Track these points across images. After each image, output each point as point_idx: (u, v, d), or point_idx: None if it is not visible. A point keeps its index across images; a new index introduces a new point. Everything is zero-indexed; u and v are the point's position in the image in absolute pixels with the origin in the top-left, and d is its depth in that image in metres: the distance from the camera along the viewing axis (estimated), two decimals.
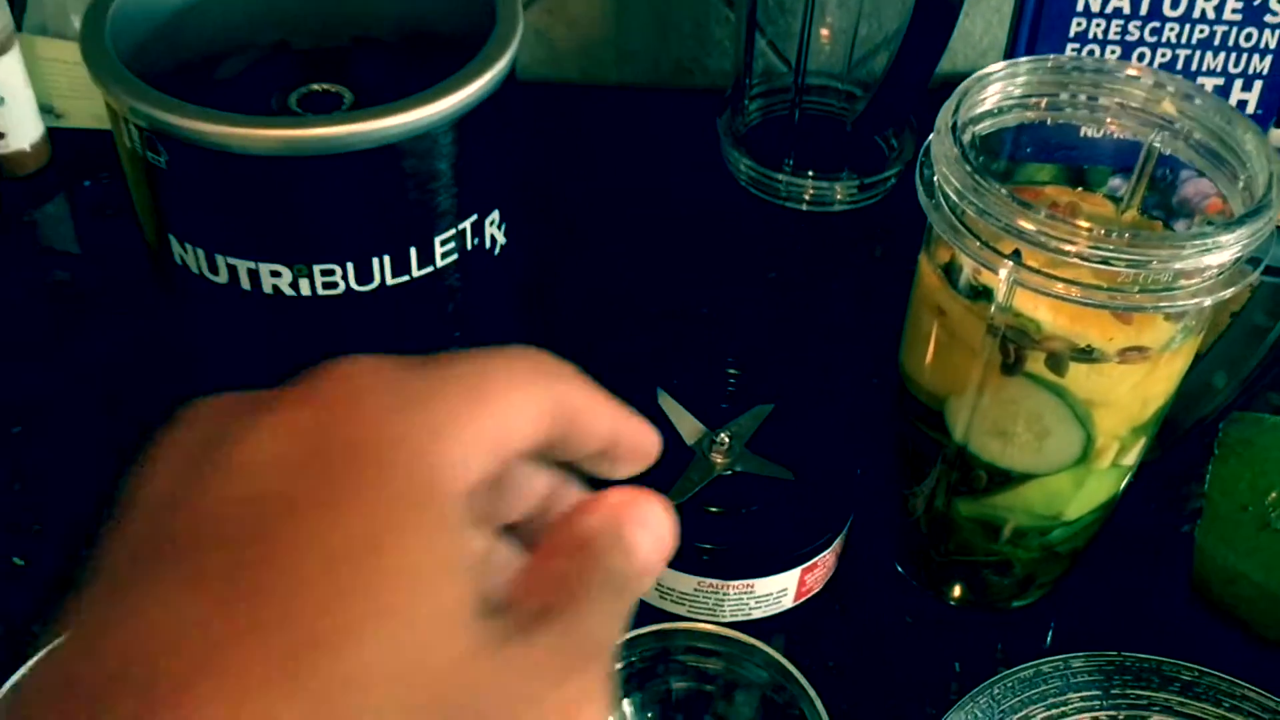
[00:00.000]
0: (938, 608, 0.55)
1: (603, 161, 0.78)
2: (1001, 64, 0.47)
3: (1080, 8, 0.64)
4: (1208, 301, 0.41)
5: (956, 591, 0.55)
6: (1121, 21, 0.64)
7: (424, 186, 0.42)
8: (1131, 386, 0.45)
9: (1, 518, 0.55)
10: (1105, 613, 0.54)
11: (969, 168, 0.42)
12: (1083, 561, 0.53)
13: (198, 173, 0.40)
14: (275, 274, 0.42)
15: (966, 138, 0.44)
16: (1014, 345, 0.44)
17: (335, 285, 0.43)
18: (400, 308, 0.44)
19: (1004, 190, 0.41)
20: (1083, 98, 0.47)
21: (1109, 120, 0.48)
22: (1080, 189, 0.53)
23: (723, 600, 0.51)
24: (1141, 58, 0.65)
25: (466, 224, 0.44)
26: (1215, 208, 0.49)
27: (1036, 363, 0.44)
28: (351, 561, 0.20)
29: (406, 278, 0.43)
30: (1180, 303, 0.41)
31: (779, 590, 0.52)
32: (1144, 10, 0.63)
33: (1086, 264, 0.41)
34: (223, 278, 0.43)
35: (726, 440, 0.53)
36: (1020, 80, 0.46)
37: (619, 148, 0.79)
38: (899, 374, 0.51)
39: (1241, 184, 0.44)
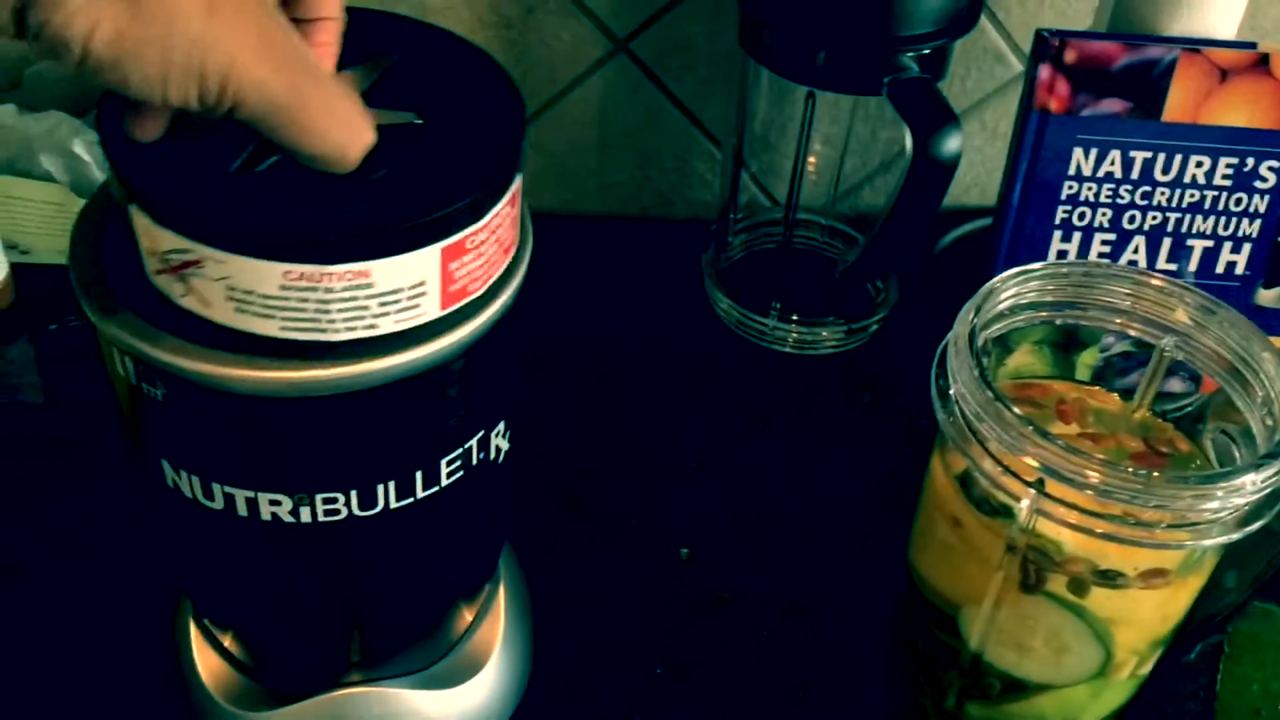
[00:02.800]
0: None
1: (581, 294, 0.77)
2: (1014, 271, 0.46)
3: (1072, 171, 0.64)
4: (1236, 536, 0.40)
5: None
6: (1113, 185, 0.64)
7: (432, 415, 0.40)
8: (1154, 606, 0.44)
9: None
10: None
11: (989, 393, 0.42)
12: None
13: (196, 407, 0.38)
14: (275, 503, 0.40)
15: (980, 343, 0.44)
16: (1035, 566, 0.43)
17: (337, 513, 0.41)
18: (403, 527, 0.42)
19: (1027, 422, 0.41)
20: (1097, 301, 0.47)
21: (1125, 323, 0.47)
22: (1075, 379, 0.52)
23: (328, 303, 0.36)
24: (1132, 220, 0.65)
25: (473, 441, 0.43)
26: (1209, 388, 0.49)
27: (1057, 584, 0.43)
28: None
29: (410, 500, 0.42)
30: (1207, 540, 0.40)
31: (413, 284, 0.36)
32: (1135, 174, 0.64)
33: (1112, 499, 0.40)
34: (218, 504, 0.40)
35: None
36: (1034, 285, 0.46)
37: (599, 278, 0.78)
38: (909, 573, 0.50)
39: (1260, 400, 0.44)
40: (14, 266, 0.72)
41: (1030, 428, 0.40)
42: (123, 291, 0.38)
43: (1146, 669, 0.47)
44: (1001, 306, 0.45)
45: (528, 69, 0.77)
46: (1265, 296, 0.67)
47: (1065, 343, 0.53)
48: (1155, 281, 0.45)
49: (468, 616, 0.52)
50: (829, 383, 0.73)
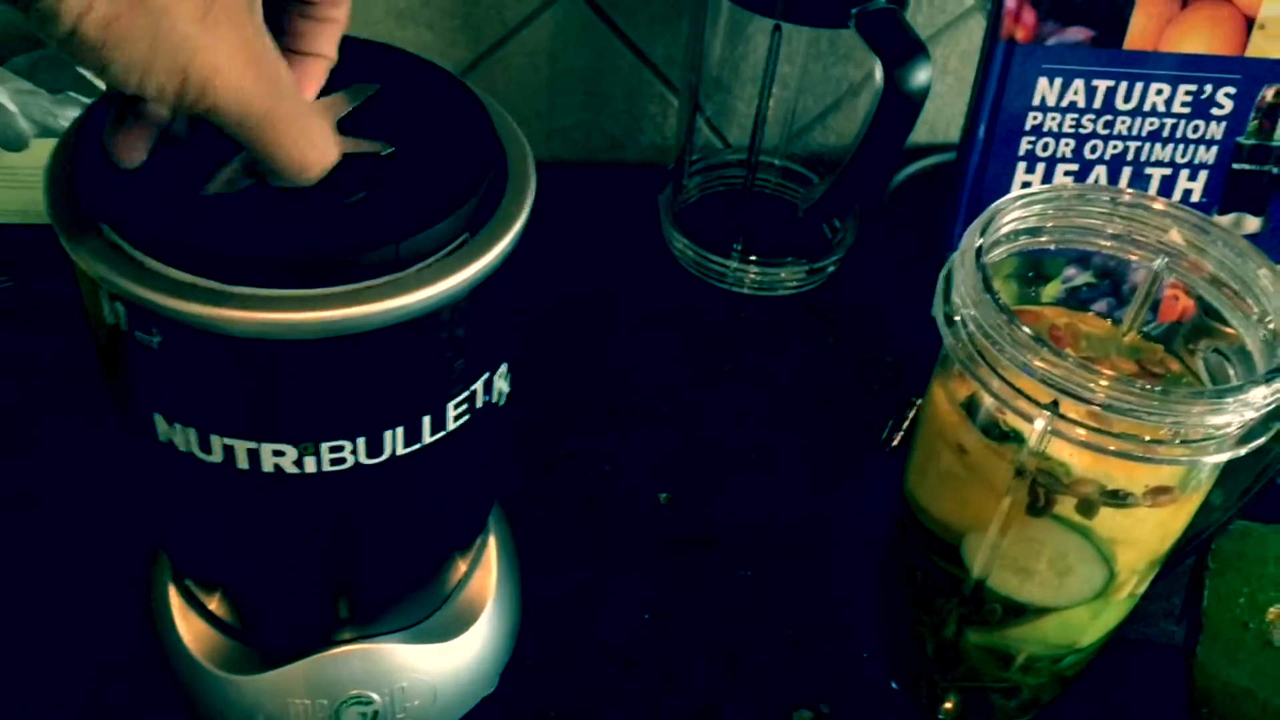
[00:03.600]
0: None
1: (534, 240, 0.75)
2: (1016, 194, 0.46)
3: (1036, 102, 0.64)
4: (1241, 452, 0.41)
5: (951, 709, 0.54)
6: (1076, 115, 0.64)
7: (440, 357, 0.39)
8: (1156, 524, 0.45)
9: None
10: None
11: (1002, 315, 0.41)
12: (1081, 677, 0.53)
13: (196, 354, 0.36)
14: (278, 453, 0.38)
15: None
16: (1043, 489, 0.43)
17: (343, 461, 0.39)
18: (407, 474, 0.41)
19: (1040, 341, 0.40)
20: (1090, 224, 0.47)
21: (1116, 246, 0.47)
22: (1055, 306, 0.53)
23: None
24: (1094, 149, 0.65)
25: (479, 384, 0.41)
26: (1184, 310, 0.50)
27: (1065, 506, 0.44)
28: None
29: (418, 446, 0.40)
30: (1214, 456, 0.41)
31: None
32: (1097, 104, 0.64)
33: (1127, 416, 0.40)
34: (217, 457, 0.38)
35: None
36: (1035, 209, 0.46)
37: (551, 225, 0.76)
38: (906, 502, 0.50)
39: (1256, 317, 0.44)
40: None
41: (1044, 347, 0.40)
42: (113, 231, 0.35)
43: (1143, 588, 0.48)
44: (1005, 229, 0.45)
45: (474, 9, 0.75)
46: (1222, 220, 0.68)
47: (1029, 275, 0.53)
48: (1156, 205, 0.46)
49: (462, 568, 0.51)
50: (791, 323, 0.73)
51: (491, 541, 0.53)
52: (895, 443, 0.66)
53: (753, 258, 0.74)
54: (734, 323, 0.73)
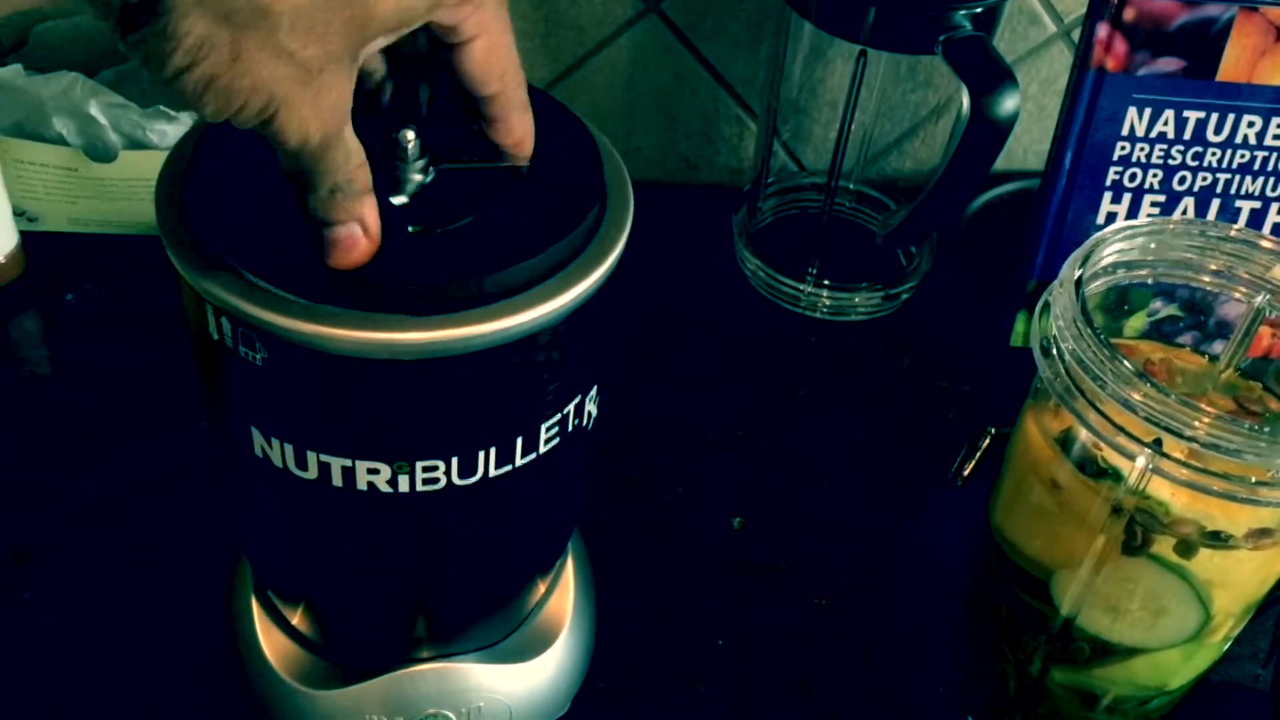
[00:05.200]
0: None
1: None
2: (1119, 225, 0.45)
3: (1125, 132, 0.63)
4: None
5: None
6: (1165, 146, 0.63)
7: (535, 379, 0.39)
8: (1256, 567, 0.44)
9: (13, 704, 0.50)
10: None
11: (1104, 350, 0.41)
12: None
13: (299, 371, 0.36)
14: (373, 471, 0.38)
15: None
16: (1141, 528, 0.43)
17: (437, 481, 0.39)
18: (498, 495, 0.41)
19: (1143, 377, 0.40)
20: (1193, 259, 0.46)
21: (1217, 282, 0.46)
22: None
23: None
24: (1182, 181, 0.64)
25: (570, 406, 0.41)
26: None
27: (1163, 545, 0.43)
28: None
29: (509, 467, 0.40)
30: None
31: None
32: (1187, 135, 0.63)
33: (1232, 457, 0.39)
34: (312, 473, 0.39)
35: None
36: (1138, 242, 0.45)
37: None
38: (991, 535, 0.49)
39: None
40: (23, 235, 0.69)
41: (1147, 382, 0.39)
42: (223, 248, 0.36)
43: (1237, 631, 0.47)
44: (1105, 261, 0.44)
45: (555, 29, 0.75)
46: None
47: (1114, 307, 0.52)
48: (1264, 243, 0.45)
49: (541, 589, 0.51)
50: (865, 349, 0.73)
51: (569, 563, 0.52)
52: (966, 473, 0.65)
53: (826, 282, 0.73)
54: (807, 347, 0.72)
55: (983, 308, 0.74)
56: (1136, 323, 0.54)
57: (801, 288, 0.73)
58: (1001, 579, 0.49)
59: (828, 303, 0.74)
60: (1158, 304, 0.53)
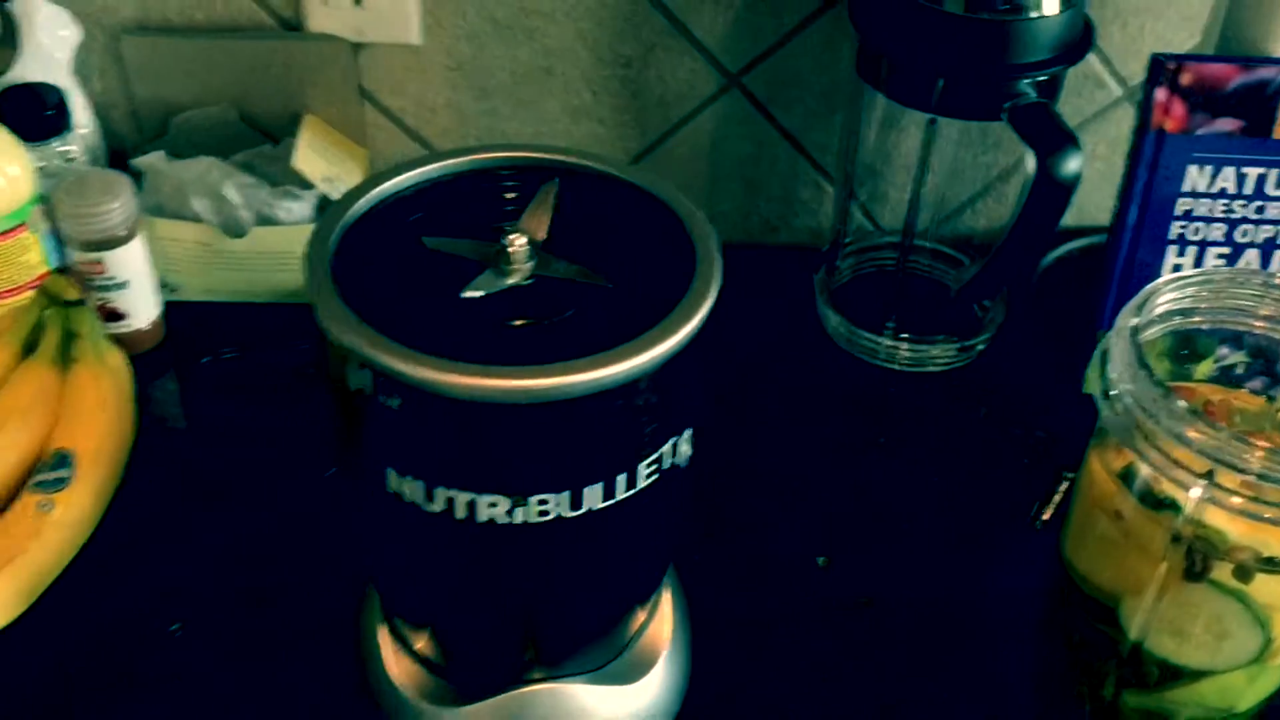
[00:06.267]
0: None
1: None
2: (1171, 276, 0.49)
3: (1187, 188, 0.66)
4: None
5: None
6: (1226, 201, 0.67)
7: (636, 421, 0.43)
8: None
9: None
10: None
11: (1158, 389, 0.44)
12: None
13: (431, 415, 0.41)
14: (492, 505, 0.43)
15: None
16: (1200, 555, 0.46)
17: (548, 514, 0.44)
18: (602, 527, 0.45)
19: (1190, 407, 0.43)
20: (1245, 305, 0.49)
21: (1270, 326, 0.50)
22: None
23: None
24: (1244, 234, 0.67)
25: (666, 446, 0.46)
26: None
27: (1222, 571, 0.46)
28: None
29: (612, 501, 0.45)
30: None
31: None
32: (1248, 190, 0.66)
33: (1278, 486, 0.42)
34: (438, 507, 0.44)
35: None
36: (1190, 291, 0.49)
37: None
38: (1063, 566, 0.52)
39: None
40: (165, 304, 0.75)
41: (1199, 419, 0.43)
42: (364, 311, 0.41)
43: None
44: (1159, 310, 0.48)
45: (643, 106, 0.81)
46: None
47: (1183, 353, 0.55)
48: None
49: (640, 617, 0.55)
50: (942, 398, 0.76)
51: (666, 595, 0.57)
52: (1046, 517, 0.68)
53: (904, 335, 0.77)
54: (886, 397, 0.76)
55: (1056, 357, 0.77)
56: (1205, 368, 0.57)
57: (880, 340, 0.77)
58: (1073, 608, 0.52)
59: (906, 354, 0.78)
60: (1224, 350, 0.56)
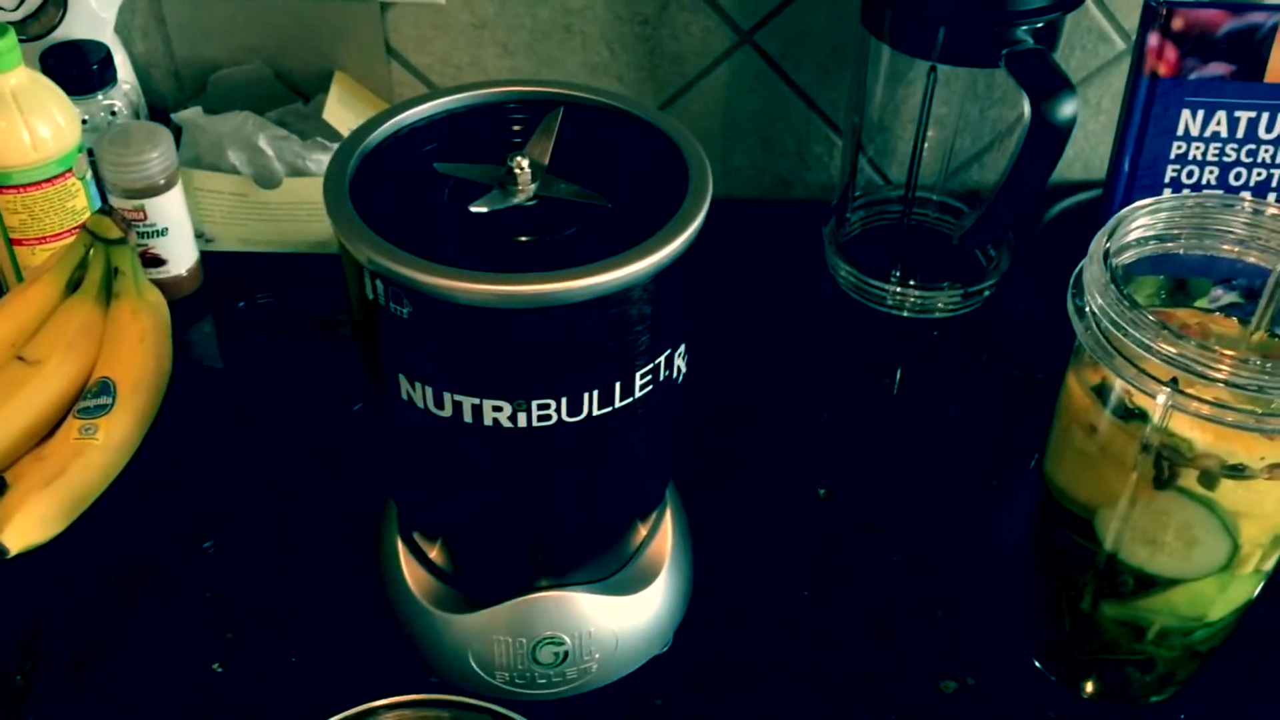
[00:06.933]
0: (1075, 702, 0.58)
1: (711, 269, 0.83)
2: (1146, 201, 0.51)
3: (1180, 132, 0.68)
4: None
5: (1091, 687, 0.58)
6: (1219, 145, 0.68)
7: (630, 329, 0.46)
8: (1278, 499, 0.48)
9: (198, 627, 0.59)
10: (1239, 708, 0.57)
11: (1125, 303, 0.47)
12: (1216, 657, 0.57)
13: (438, 322, 0.45)
14: (497, 409, 0.46)
15: (1113, 262, 0.49)
16: (1168, 463, 0.48)
17: (549, 418, 0.47)
18: (601, 433, 0.48)
19: (1157, 320, 0.45)
20: (1218, 231, 0.52)
21: (1242, 251, 0.52)
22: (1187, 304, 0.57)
23: None
24: (1238, 177, 0.69)
25: (661, 359, 0.49)
26: None
27: (1189, 478, 0.48)
28: None
29: (610, 408, 0.48)
30: None
31: None
32: (1240, 134, 0.68)
33: (1241, 391, 0.45)
34: (447, 412, 0.47)
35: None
36: (1163, 216, 0.51)
37: (729, 254, 0.84)
38: (1044, 483, 0.55)
39: None
40: (202, 253, 0.79)
41: (1165, 330, 0.45)
42: (378, 226, 0.45)
43: (1269, 565, 0.51)
44: (1131, 235, 0.50)
45: (658, 63, 0.84)
46: None
47: (1175, 294, 0.57)
48: (1271, 210, 0.50)
49: (642, 532, 0.58)
50: (947, 343, 0.79)
51: (668, 514, 0.60)
52: None
53: (911, 282, 0.79)
54: (892, 341, 0.79)
55: (1055, 305, 0.79)
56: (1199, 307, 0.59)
57: (887, 288, 0.80)
58: (1054, 523, 0.54)
59: (913, 301, 0.80)
60: (1218, 291, 0.58)
